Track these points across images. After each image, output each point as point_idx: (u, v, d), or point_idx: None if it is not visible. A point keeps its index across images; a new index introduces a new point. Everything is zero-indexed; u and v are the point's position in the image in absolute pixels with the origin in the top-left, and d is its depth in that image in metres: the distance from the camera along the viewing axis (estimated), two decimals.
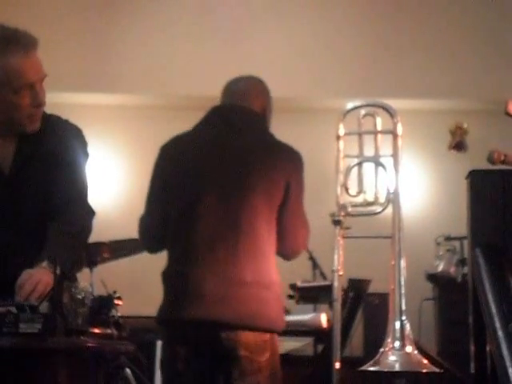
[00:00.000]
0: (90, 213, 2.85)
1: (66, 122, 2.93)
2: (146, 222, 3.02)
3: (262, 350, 2.80)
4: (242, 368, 2.77)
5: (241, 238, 2.81)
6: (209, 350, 2.78)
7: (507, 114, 2.82)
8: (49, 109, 2.95)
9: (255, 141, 2.94)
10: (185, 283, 2.82)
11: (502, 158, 3.01)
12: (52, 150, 2.81)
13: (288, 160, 2.93)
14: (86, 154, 2.91)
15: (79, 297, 2.52)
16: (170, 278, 2.90)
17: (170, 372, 2.87)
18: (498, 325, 2.66)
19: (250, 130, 2.95)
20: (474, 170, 3.37)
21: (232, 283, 2.78)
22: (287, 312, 5.20)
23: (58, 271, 2.46)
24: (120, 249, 4.75)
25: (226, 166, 2.88)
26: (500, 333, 2.62)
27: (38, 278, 2.49)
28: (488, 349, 2.99)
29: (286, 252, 3.01)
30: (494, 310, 2.73)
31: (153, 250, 3.09)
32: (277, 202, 2.87)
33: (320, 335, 5.02)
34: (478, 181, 3.35)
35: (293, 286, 5.23)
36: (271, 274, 2.86)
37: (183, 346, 2.80)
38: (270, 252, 2.88)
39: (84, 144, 2.92)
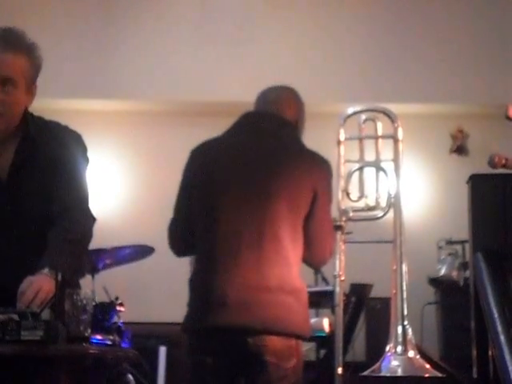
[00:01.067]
0: (91, 219, 2.84)
1: (66, 127, 2.93)
2: (173, 226, 3.01)
3: (288, 356, 2.78)
4: (268, 374, 2.75)
5: (264, 245, 2.80)
6: (235, 356, 2.77)
7: (508, 118, 2.82)
8: (48, 115, 2.95)
9: (283, 148, 2.93)
10: (209, 290, 2.81)
11: (503, 161, 3.01)
12: (52, 156, 2.80)
13: (316, 169, 2.92)
14: (87, 160, 2.91)
15: (81, 304, 2.52)
16: (196, 285, 2.89)
17: (193, 381, 2.85)
18: (499, 329, 2.66)
19: (278, 137, 2.94)
20: (474, 175, 3.38)
21: (256, 289, 2.76)
22: None
23: (59, 278, 2.46)
24: (122, 255, 4.76)
25: (251, 172, 2.87)
26: (502, 337, 2.62)
27: (40, 285, 2.49)
28: (490, 353, 2.99)
29: (313, 261, 3.01)
30: (495, 314, 2.73)
31: (180, 254, 3.08)
32: (303, 210, 2.86)
33: (322, 340, 5.02)
34: (478, 185, 3.36)
35: None
36: (295, 280, 2.84)
37: (209, 354, 2.78)
38: (295, 259, 2.86)
39: (84, 149, 2.91)
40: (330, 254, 3.03)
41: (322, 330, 5.03)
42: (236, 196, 2.86)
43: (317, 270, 3.08)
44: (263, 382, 2.76)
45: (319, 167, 2.94)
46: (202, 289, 2.83)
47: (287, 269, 2.82)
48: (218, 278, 2.80)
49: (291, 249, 2.85)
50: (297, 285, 2.84)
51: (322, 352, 5.10)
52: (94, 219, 2.85)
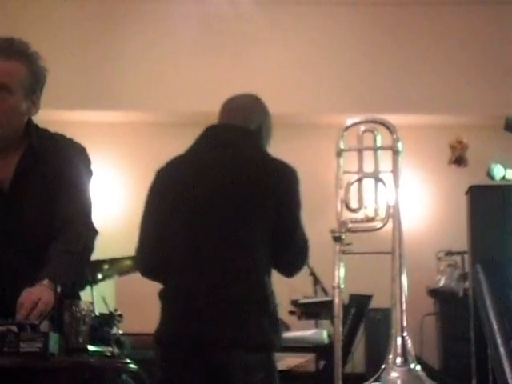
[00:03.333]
0: (93, 232, 2.84)
1: (71, 140, 2.93)
2: (140, 245, 3.01)
3: (256, 369, 2.77)
4: None
5: (233, 258, 2.81)
6: (203, 369, 2.77)
7: (506, 129, 2.83)
8: (51, 126, 2.96)
9: (245, 160, 2.93)
10: (179, 303, 2.83)
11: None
12: (55, 168, 2.80)
13: (280, 178, 2.91)
14: (90, 173, 2.91)
15: (80, 315, 2.52)
16: (166, 297, 2.90)
17: None
18: (499, 341, 2.66)
19: (240, 148, 2.95)
20: (473, 186, 3.38)
21: (225, 302, 2.77)
22: (288, 328, 5.19)
23: (58, 290, 2.46)
24: (121, 266, 4.75)
25: (217, 186, 2.88)
26: (501, 349, 2.62)
27: (39, 296, 2.49)
28: (490, 365, 2.99)
29: (285, 270, 3.00)
30: (495, 326, 2.73)
31: (147, 272, 3.06)
32: (269, 219, 2.86)
33: (322, 351, 5.01)
34: (477, 196, 3.36)
35: (294, 302, 5.22)
36: (266, 292, 2.84)
37: (178, 365, 2.79)
38: (264, 269, 2.86)
39: (88, 162, 2.91)
40: (302, 262, 3.01)
41: (322, 341, 5.03)
42: (204, 212, 2.86)
43: (289, 278, 3.05)
44: None
45: (284, 177, 2.93)
46: (172, 301, 2.85)
47: (256, 280, 2.81)
48: (188, 291, 2.81)
49: (260, 260, 2.84)
50: (268, 296, 2.83)
51: (322, 363, 5.09)
52: (96, 232, 2.85)
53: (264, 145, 3.06)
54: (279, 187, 2.90)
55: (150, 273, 3.05)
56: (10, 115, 2.77)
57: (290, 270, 3.01)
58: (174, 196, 2.93)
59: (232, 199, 2.86)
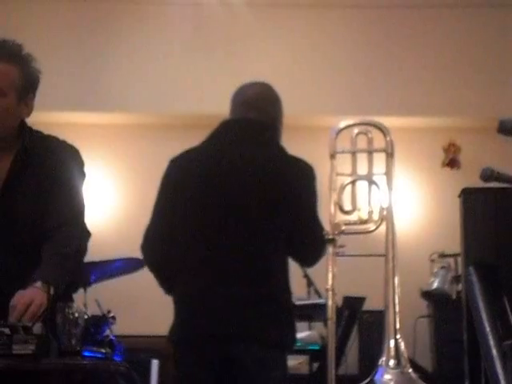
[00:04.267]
0: (86, 234, 2.83)
1: (64, 142, 2.93)
2: (150, 235, 2.97)
3: (272, 367, 2.77)
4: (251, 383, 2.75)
5: (250, 256, 2.80)
6: (219, 366, 2.77)
7: (500, 131, 2.83)
8: (43, 128, 2.95)
9: (265, 156, 2.92)
10: (193, 301, 2.81)
11: (495, 175, 3.02)
12: (48, 170, 2.80)
13: (298, 175, 2.92)
14: (83, 174, 2.90)
15: (73, 317, 2.51)
16: (179, 296, 2.88)
17: None
18: (491, 343, 2.66)
19: (259, 145, 2.93)
20: (466, 188, 3.38)
21: (242, 299, 2.76)
22: None
23: (51, 292, 2.46)
24: (113, 268, 4.75)
25: (233, 182, 2.87)
26: (494, 351, 2.62)
27: (31, 298, 2.48)
28: (482, 367, 2.99)
29: (308, 261, 3.04)
30: (487, 328, 2.73)
31: (154, 265, 3.00)
32: (288, 217, 2.86)
33: (315, 353, 5.02)
34: (470, 199, 3.36)
35: None
36: (281, 290, 2.84)
37: (194, 364, 2.78)
38: (280, 268, 2.86)
39: (81, 164, 2.91)
40: (322, 253, 3.02)
41: (315, 344, 5.03)
42: (218, 207, 2.85)
43: (310, 267, 3.08)
44: None
45: (302, 173, 2.93)
46: (188, 300, 2.83)
47: (273, 279, 2.82)
48: (204, 288, 2.79)
49: (276, 258, 2.85)
50: (283, 295, 2.84)
51: (315, 365, 5.09)
52: (89, 234, 2.84)
53: (279, 136, 3.04)
54: (300, 185, 2.90)
55: (156, 266, 3.00)
56: (3, 117, 2.77)
57: (312, 260, 3.02)
58: (194, 191, 2.90)
59: (254, 198, 2.84)
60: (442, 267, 6.28)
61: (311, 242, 2.95)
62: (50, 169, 2.80)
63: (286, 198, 2.86)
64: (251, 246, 2.81)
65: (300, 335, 5.04)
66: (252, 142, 2.93)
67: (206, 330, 2.76)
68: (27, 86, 2.81)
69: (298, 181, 2.91)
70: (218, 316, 2.76)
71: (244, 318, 2.75)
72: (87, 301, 4.35)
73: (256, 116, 2.97)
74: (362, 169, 3.35)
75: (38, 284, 2.53)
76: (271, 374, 2.77)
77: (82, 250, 2.81)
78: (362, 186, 3.33)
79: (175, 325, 2.87)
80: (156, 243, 2.95)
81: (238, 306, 2.76)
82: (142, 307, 6.13)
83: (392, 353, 2.99)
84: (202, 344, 2.77)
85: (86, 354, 2.62)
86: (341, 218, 3.24)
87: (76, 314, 2.53)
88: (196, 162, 2.97)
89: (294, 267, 3.08)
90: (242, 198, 2.85)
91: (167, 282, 2.94)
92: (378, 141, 3.37)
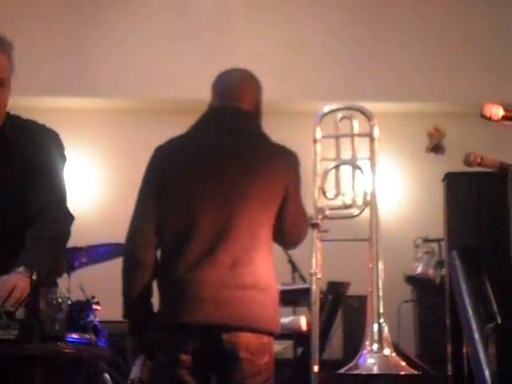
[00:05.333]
0: (69, 218, 2.83)
1: (43, 126, 2.92)
2: (136, 224, 2.92)
3: (261, 353, 2.80)
4: (242, 370, 2.76)
5: (239, 243, 2.81)
6: (209, 353, 2.77)
7: (483, 116, 2.84)
8: (24, 113, 2.94)
9: (252, 145, 2.93)
10: (183, 288, 2.80)
11: (479, 160, 3.03)
12: (29, 155, 2.79)
13: (286, 163, 2.94)
14: (64, 158, 2.90)
15: (56, 302, 2.51)
16: (167, 284, 2.87)
17: (169, 379, 2.83)
18: (474, 327, 2.67)
19: (246, 134, 2.95)
20: (450, 173, 3.38)
21: (230, 286, 2.77)
22: None
23: (34, 277, 2.45)
24: (97, 253, 4.74)
25: (224, 170, 2.87)
26: (476, 335, 2.63)
27: (14, 283, 2.47)
28: (464, 350, 3.00)
29: (288, 246, 3.13)
30: (470, 312, 2.74)
31: (140, 254, 2.91)
32: (275, 205, 2.88)
33: (299, 338, 5.03)
34: (454, 183, 3.37)
35: None
36: (268, 277, 2.87)
37: (184, 351, 2.77)
38: (268, 257, 2.88)
39: (61, 148, 2.90)
40: (303, 237, 3.06)
41: (299, 328, 5.04)
42: (208, 195, 2.85)
43: (292, 249, 3.14)
44: (237, 379, 2.77)
45: (289, 161, 2.95)
46: (176, 287, 2.82)
47: (261, 266, 2.83)
48: (192, 276, 2.79)
49: (264, 246, 2.87)
50: (269, 282, 2.86)
51: (299, 350, 5.10)
52: (72, 218, 2.84)
53: (261, 125, 3.05)
54: (287, 172, 2.92)
55: (141, 255, 2.91)
56: (4, 108, 2.80)
57: (295, 244, 3.06)
58: (180, 180, 2.89)
59: (242, 186, 2.85)
60: (426, 252, 6.31)
61: (295, 227, 2.97)
62: (31, 154, 2.80)
63: (273, 186, 2.88)
64: (239, 233, 2.82)
65: (285, 320, 5.06)
66: (238, 131, 2.94)
67: (194, 318, 2.77)
68: (12, 74, 2.82)
69: (285, 168, 2.93)
70: (205, 303, 2.76)
71: (232, 304, 2.76)
72: (71, 286, 4.34)
73: (241, 105, 2.97)
74: (346, 154, 3.35)
75: (21, 269, 2.53)
76: (260, 360, 2.79)
77: (65, 234, 2.80)
78: (345, 170, 3.34)
79: (162, 312, 2.87)
80: (142, 231, 2.93)
81: (226, 292, 2.77)
82: None
83: (375, 337, 3.00)
84: (190, 331, 2.77)
85: (70, 339, 2.61)
86: (325, 202, 3.25)
87: (59, 299, 2.52)
88: (183, 150, 2.95)
89: (279, 253, 3.10)
90: (229, 187, 2.85)
91: (144, 270, 2.90)
92: (362, 126, 3.37)
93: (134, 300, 2.88)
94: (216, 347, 2.76)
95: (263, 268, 2.85)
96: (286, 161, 2.95)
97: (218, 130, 2.94)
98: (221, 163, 2.88)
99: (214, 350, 2.76)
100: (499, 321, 2.71)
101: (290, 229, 2.95)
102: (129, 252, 2.94)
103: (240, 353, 2.75)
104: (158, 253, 2.93)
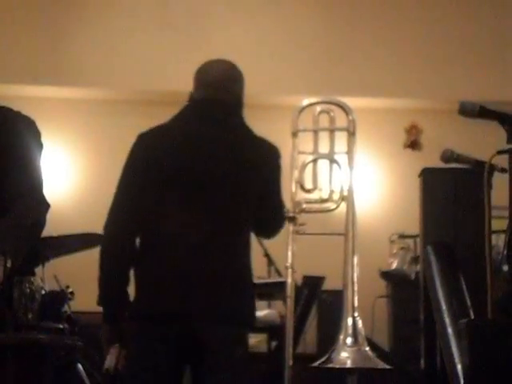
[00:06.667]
0: (44, 205, 2.80)
1: (18, 113, 2.90)
2: (116, 212, 2.89)
3: (237, 345, 2.80)
4: (217, 362, 2.76)
5: (217, 235, 2.81)
6: (184, 343, 2.76)
7: (461, 113, 2.85)
8: (6, 101, 2.91)
9: (235, 136, 2.94)
10: (159, 278, 2.80)
11: (455, 156, 3.05)
12: (4, 142, 2.77)
13: (268, 156, 2.96)
14: (40, 145, 2.88)
15: (30, 291, 2.49)
16: (144, 272, 2.86)
17: (140, 367, 2.82)
18: (447, 321, 2.69)
19: (229, 126, 2.95)
20: (426, 168, 3.40)
21: (207, 278, 2.77)
22: None
23: (8, 264, 2.43)
24: (72, 243, 4.70)
25: (205, 162, 2.87)
26: (449, 329, 2.65)
27: None
28: (438, 345, 3.02)
29: (264, 236, 3.22)
30: (443, 306, 2.75)
31: (118, 242, 2.88)
32: (256, 197, 2.90)
33: (274, 332, 5.03)
34: (430, 179, 3.39)
35: None
36: (245, 267, 2.88)
37: (158, 340, 2.77)
38: (246, 249, 2.89)
39: (37, 135, 2.88)
40: (282, 227, 3.07)
41: (274, 322, 5.05)
42: (187, 185, 2.85)
43: (269, 239, 3.19)
44: (211, 370, 2.76)
45: (271, 154, 2.98)
46: (152, 277, 2.81)
47: (238, 257, 2.84)
48: (169, 266, 2.78)
49: (242, 237, 2.87)
50: (246, 275, 2.87)
51: (274, 344, 5.11)
52: (47, 205, 2.81)
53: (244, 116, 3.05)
54: (269, 165, 2.95)
55: (120, 245, 2.88)
56: None
57: (272, 235, 3.12)
58: (163, 168, 2.86)
59: (223, 177, 2.86)
60: (402, 248, 6.34)
61: (273, 219, 3.00)
62: (6, 140, 2.77)
63: (255, 178, 2.90)
64: (218, 224, 2.82)
65: (259, 314, 5.06)
66: (222, 123, 2.94)
67: (170, 307, 2.76)
68: None
69: (267, 161, 2.95)
70: (181, 293, 2.75)
71: (208, 295, 2.76)
72: (45, 276, 4.31)
73: (225, 97, 2.97)
74: (324, 147, 3.35)
75: None
76: (234, 351, 2.79)
77: (40, 221, 2.78)
78: (323, 164, 3.34)
79: (137, 301, 2.85)
80: (122, 220, 2.90)
81: (203, 283, 2.76)
82: None
83: (350, 331, 3.00)
84: (165, 321, 2.76)
85: (43, 328, 2.60)
86: (302, 196, 3.25)
87: (33, 288, 2.51)
88: (167, 139, 2.93)
89: (255, 246, 3.09)
90: (211, 178, 2.86)
91: (122, 258, 2.89)
92: (341, 120, 3.37)
93: (110, 287, 2.85)
94: (191, 338, 2.75)
95: (242, 259, 2.85)
96: (268, 154, 2.97)
97: (202, 121, 2.94)
98: (205, 154, 2.88)
99: (189, 340, 2.75)
100: (472, 316, 2.73)
101: (268, 221, 2.98)
102: (108, 239, 2.90)
103: (215, 344, 2.74)
104: (137, 241, 2.92)
